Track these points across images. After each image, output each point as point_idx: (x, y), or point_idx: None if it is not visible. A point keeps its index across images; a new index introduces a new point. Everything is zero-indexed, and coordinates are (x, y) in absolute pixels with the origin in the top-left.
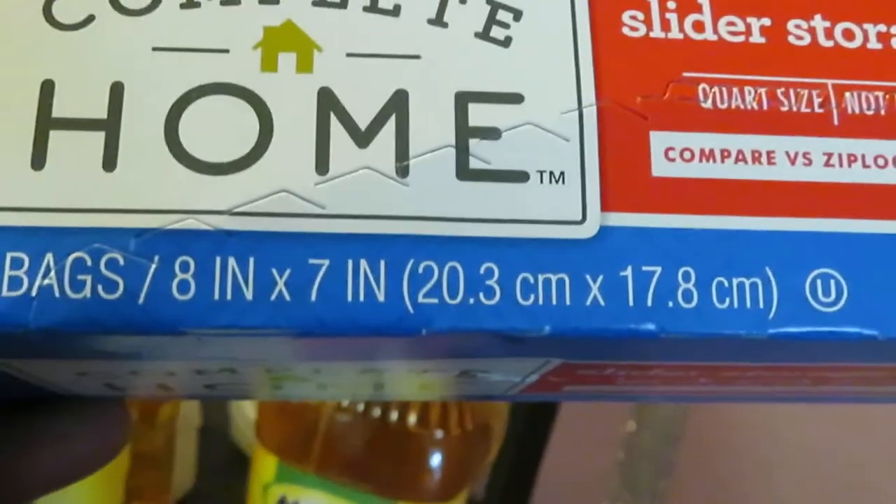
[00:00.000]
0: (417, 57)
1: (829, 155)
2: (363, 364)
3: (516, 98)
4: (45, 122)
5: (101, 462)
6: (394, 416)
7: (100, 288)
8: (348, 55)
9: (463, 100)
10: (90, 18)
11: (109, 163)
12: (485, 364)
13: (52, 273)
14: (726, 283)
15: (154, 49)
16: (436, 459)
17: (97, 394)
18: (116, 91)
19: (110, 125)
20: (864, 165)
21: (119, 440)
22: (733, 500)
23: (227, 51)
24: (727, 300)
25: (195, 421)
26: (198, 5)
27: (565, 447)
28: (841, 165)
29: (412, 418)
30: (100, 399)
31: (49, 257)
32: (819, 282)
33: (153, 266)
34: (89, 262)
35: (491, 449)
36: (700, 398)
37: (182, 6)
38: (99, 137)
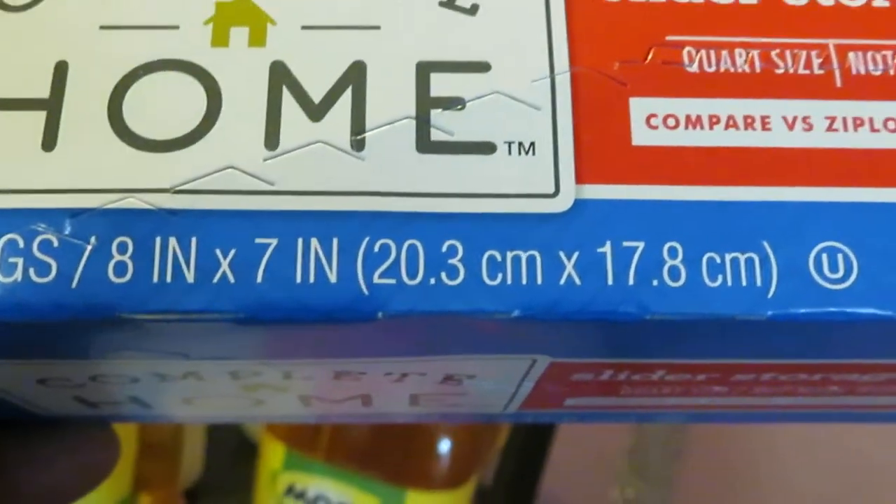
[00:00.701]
0: (377, 28)
1: (832, 119)
2: (332, 364)
3: (482, 67)
4: None
5: (88, 487)
6: None
7: (31, 271)
8: (304, 28)
9: (425, 70)
10: None
11: (49, 142)
12: (467, 365)
13: None
14: (718, 259)
15: (101, 27)
16: (444, 446)
17: (77, 413)
18: (60, 70)
19: (52, 104)
20: (873, 129)
21: (106, 465)
22: (743, 485)
23: (176, 27)
24: (719, 277)
25: None
26: None
27: (574, 433)
28: (846, 129)
29: None
30: (87, 423)
31: None
32: (825, 256)
33: (89, 247)
34: (21, 244)
35: (499, 435)
36: (722, 415)
37: None
38: (40, 117)
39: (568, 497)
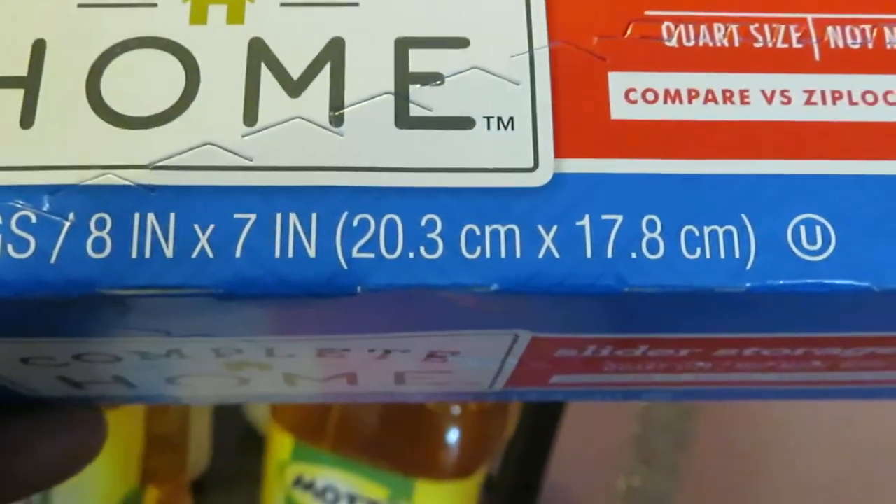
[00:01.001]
0: (356, 4)
1: (811, 92)
2: (314, 341)
3: (461, 42)
4: None
5: (75, 469)
6: None
7: (10, 247)
8: (282, 5)
9: (403, 46)
10: None
11: (27, 120)
12: (449, 341)
13: None
14: (697, 232)
15: (80, 6)
16: (453, 436)
17: (64, 394)
18: (38, 48)
19: (30, 82)
20: (851, 102)
21: (93, 447)
22: (749, 472)
23: (154, 5)
24: (698, 250)
25: None
26: None
27: (580, 421)
28: (824, 103)
29: None
30: (75, 405)
31: None
32: (803, 228)
33: (67, 224)
34: (0, 221)
35: (508, 424)
36: (708, 392)
37: None
38: (18, 95)
39: (573, 486)
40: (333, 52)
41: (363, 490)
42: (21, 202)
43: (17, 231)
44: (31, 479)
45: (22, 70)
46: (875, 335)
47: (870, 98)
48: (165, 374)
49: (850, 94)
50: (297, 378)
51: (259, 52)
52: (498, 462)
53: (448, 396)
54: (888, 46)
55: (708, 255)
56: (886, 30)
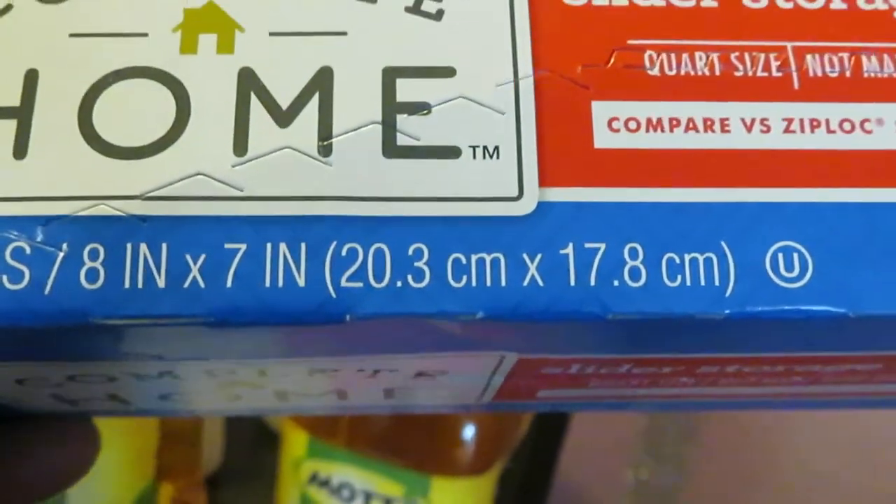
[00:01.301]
0: (344, 34)
1: (790, 120)
2: (308, 362)
3: (448, 72)
4: None
5: (68, 482)
6: None
7: (4, 278)
8: (271, 34)
9: (391, 75)
10: (7, 8)
11: (20, 151)
12: (436, 362)
13: None
14: (677, 260)
15: (71, 35)
16: (469, 432)
17: (55, 409)
18: (31, 78)
19: (23, 113)
20: (829, 130)
21: (87, 459)
22: (757, 466)
23: (145, 34)
24: (679, 277)
25: None
26: None
27: (589, 415)
28: (803, 131)
29: None
30: (68, 417)
31: None
32: (781, 256)
33: (61, 254)
34: None
35: (523, 420)
36: (693, 403)
37: None
38: (10, 126)
39: (583, 478)
40: (322, 82)
41: (379, 487)
42: (15, 233)
43: (11, 262)
44: (23, 491)
45: (15, 100)
46: (853, 354)
47: (847, 126)
48: (159, 392)
49: (828, 122)
50: (288, 394)
51: (249, 82)
52: (508, 454)
53: (436, 409)
54: (865, 75)
55: (688, 283)
56: (864, 58)
